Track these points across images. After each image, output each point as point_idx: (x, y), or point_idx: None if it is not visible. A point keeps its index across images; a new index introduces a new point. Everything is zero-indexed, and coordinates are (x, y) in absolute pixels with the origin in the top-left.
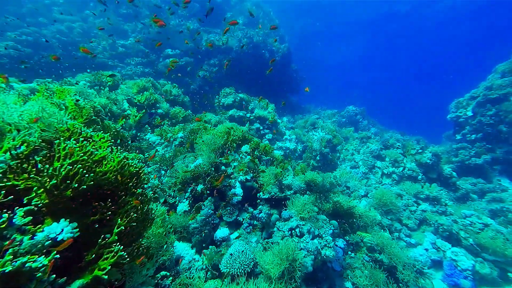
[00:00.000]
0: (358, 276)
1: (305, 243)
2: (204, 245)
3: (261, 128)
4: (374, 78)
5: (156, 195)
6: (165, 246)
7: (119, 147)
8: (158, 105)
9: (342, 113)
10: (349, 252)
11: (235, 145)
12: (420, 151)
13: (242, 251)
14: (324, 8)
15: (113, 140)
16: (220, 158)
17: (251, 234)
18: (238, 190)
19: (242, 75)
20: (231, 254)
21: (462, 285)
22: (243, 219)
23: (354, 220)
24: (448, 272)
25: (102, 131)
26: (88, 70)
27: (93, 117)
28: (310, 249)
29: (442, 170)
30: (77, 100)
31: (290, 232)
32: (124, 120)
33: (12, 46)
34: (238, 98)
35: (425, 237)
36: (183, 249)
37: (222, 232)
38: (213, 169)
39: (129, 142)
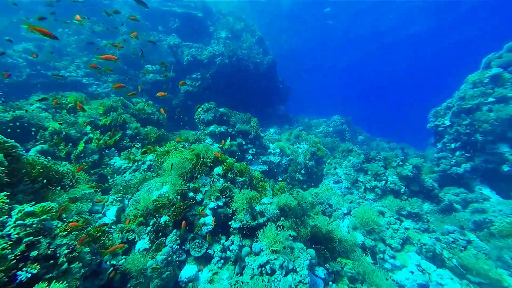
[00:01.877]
0: None
1: (276, 282)
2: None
3: (244, 142)
4: (362, 86)
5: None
6: None
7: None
8: (127, 125)
9: (328, 123)
10: (330, 283)
11: (204, 168)
12: (400, 163)
13: None
14: (312, 22)
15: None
16: (188, 184)
17: (222, 270)
18: (209, 219)
19: (225, 88)
20: None
21: None
22: (214, 251)
23: (335, 245)
24: None
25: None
26: (50, 94)
27: None
28: None
29: (424, 182)
30: None
31: (259, 269)
32: (82, 145)
33: None
34: (219, 113)
35: (409, 259)
36: None
37: (188, 270)
38: (178, 197)
39: (68, 179)
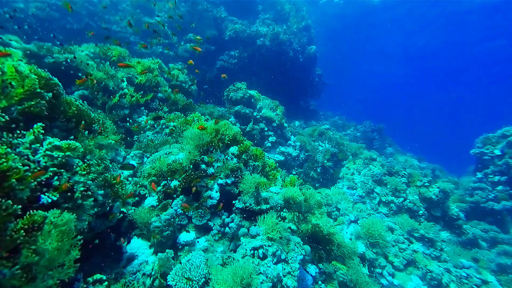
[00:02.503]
0: None
1: (265, 267)
2: (164, 246)
3: (266, 129)
4: (402, 97)
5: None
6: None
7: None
8: (160, 88)
9: (358, 127)
10: (320, 282)
11: (221, 144)
12: (427, 184)
13: (197, 265)
14: (370, 26)
15: (74, 120)
16: (202, 156)
17: (218, 243)
18: (215, 194)
19: (261, 71)
20: (183, 266)
21: None
22: (214, 224)
23: (333, 248)
24: None
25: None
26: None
27: (38, 90)
28: (269, 275)
29: (449, 209)
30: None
31: (252, 251)
32: (117, 99)
33: (40, 8)
34: (248, 94)
35: (410, 281)
36: (139, 247)
37: (187, 235)
38: (191, 166)
39: (104, 123)
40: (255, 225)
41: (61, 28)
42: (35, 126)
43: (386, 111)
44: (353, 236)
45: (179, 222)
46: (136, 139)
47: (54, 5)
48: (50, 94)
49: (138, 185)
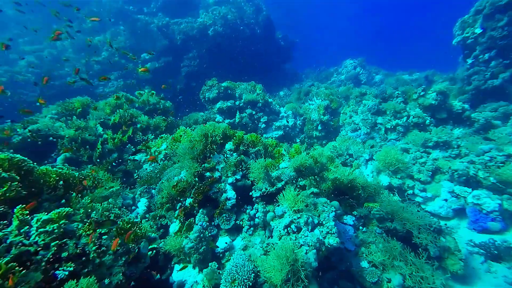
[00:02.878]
0: (373, 252)
1: (303, 238)
2: (205, 261)
3: (254, 112)
4: (368, 24)
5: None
6: None
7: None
8: (137, 119)
9: (339, 70)
10: (361, 227)
11: (215, 146)
12: (422, 93)
13: (241, 265)
14: None
15: (60, 186)
16: (203, 165)
17: (254, 236)
18: (230, 193)
19: (225, 60)
20: (229, 270)
21: (491, 228)
22: (242, 221)
23: (359, 192)
24: (473, 218)
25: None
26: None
27: (3, 175)
28: (310, 243)
29: (452, 107)
30: None
31: (285, 230)
32: (99, 147)
33: None
34: (222, 88)
35: (441, 187)
36: (183, 273)
37: (223, 242)
38: (196, 179)
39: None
40: (278, 205)
41: (16, 103)
42: (15, 210)
43: (360, 46)
44: (374, 172)
45: (210, 234)
46: (137, 176)
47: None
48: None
49: (157, 217)
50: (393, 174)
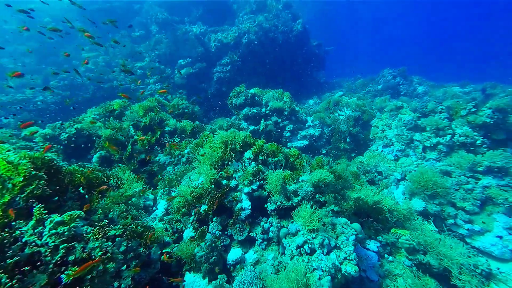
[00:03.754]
0: (401, 286)
1: (317, 261)
2: (216, 271)
3: (279, 120)
4: (413, 32)
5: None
6: None
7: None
8: (166, 122)
9: (377, 79)
10: (386, 256)
11: (233, 154)
12: (473, 109)
13: (249, 283)
14: None
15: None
16: (220, 172)
17: (267, 251)
18: (246, 203)
19: (258, 67)
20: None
21: None
22: (256, 234)
23: (386, 215)
24: None
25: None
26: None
27: (33, 173)
28: (325, 268)
29: None
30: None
31: (298, 250)
32: (130, 148)
33: (55, 93)
34: (250, 95)
35: (494, 221)
36: (193, 281)
37: (234, 253)
38: (212, 186)
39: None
40: (293, 222)
41: (74, 102)
42: (34, 209)
43: (402, 55)
44: (406, 194)
45: (222, 244)
46: (160, 177)
47: (62, 86)
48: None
49: (174, 221)
50: (430, 199)
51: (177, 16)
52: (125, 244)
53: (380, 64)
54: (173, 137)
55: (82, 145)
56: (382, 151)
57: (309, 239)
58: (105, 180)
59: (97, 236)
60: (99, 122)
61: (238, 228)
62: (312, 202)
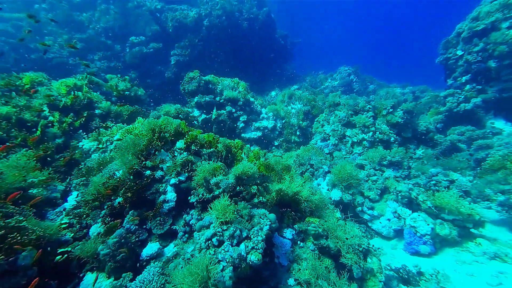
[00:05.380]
0: (303, 269)
1: (223, 253)
2: (124, 269)
3: (233, 110)
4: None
5: None
6: None
7: None
8: (97, 105)
9: (334, 76)
10: (299, 242)
11: (160, 143)
12: (391, 110)
13: (149, 280)
14: None
15: None
16: (144, 162)
17: (187, 244)
18: (170, 195)
19: (219, 53)
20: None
21: (422, 251)
22: (179, 227)
23: (303, 206)
24: (408, 240)
25: None
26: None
27: None
28: (229, 259)
29: (418, 127)
30: None
31: (207, 243)
32: (39, 130)
33: None
34: (203, 82)
35: (387, 207)
36: (91, 283)
37: (150, 248)
38: (131, 177)
39: None
40: (208, 214)
41: None
42: None
43: (362, 54)
44: (329, 185)
45: (137, 239)
46: (83, 166)
47: None
48: None
49: (84, 216)
50: (345, 190)
51: None
52: None
53: (340, 60)
54: (106, 121)
55: None
56: (320, 145)
57: (219, 231)
58: None
59: None
60: None
61: (158, 221)
62: (231, 194)
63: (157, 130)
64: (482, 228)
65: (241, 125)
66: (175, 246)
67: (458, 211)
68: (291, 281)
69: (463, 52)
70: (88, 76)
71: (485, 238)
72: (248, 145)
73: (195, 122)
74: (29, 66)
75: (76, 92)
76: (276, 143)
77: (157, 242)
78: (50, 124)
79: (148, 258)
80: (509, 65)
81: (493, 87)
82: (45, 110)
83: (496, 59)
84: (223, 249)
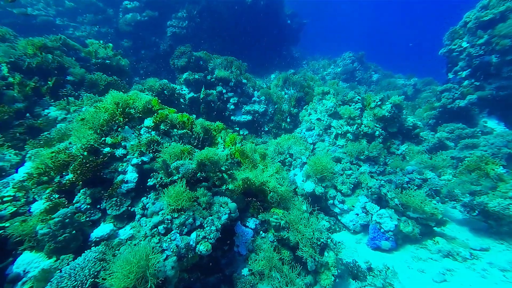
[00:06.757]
0: (259, 259)
1: (169, 241)
2: (68, 250)
3: (224, 91)
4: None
5: None
6: None
7: None
8: (69, 70)
9: (337, 62)
10: (261, 232)
11: (122, 119)
12: (379, 103)
13: (81, 267)
14: None
15: None
16: (104, 138)
17: (145, 227)
18: (131, 175)
19: (219, 29)
20: (62, 274)
21: (383, 247)
22: (136, 209)
23: (269, 196)
24: (372, 235)
25: None
26: None
27: None
28: (174, 249)
29: (405, 122)
30: None
31: (152, 230)
32: None
33: None
34: (193, 58)
35: (357, 202)
36: (29, 262)
37: (102, 229)
38: (85, 153)
39: None
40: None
41: None
42: None
43: (368, 41)
44: (304, 177)
45: (88, 219)
46: (45, 135)
47: None
48: None
49: (30, 190)
50: (319, 182)
51: None
52: None
53: (352, 44)
54: (80, 90)
55: None
56: (305, 134)
57: (167, 219)
58: None
59: None
60: None
61: (114, 202)
62: (191, 180)
63: (121, 104)
64: (444, 227)
65: (232, 107)
66: (131, 228)
67: (422, 209)
68: (245, 271)
69: (468, 44)
70: (62, 37)
71: (444, 237)
72: (231, 130)
73: (182, 100)
74: (9, 23)
75: (44, 53)
76: (266, 129)
77: (111, 224)
78: (10, 87)
79: (98, 239)
80: (511, 61)
81: (492, 84)
82: (3, 70)
83: (498, 53)
84: (169, 238)
